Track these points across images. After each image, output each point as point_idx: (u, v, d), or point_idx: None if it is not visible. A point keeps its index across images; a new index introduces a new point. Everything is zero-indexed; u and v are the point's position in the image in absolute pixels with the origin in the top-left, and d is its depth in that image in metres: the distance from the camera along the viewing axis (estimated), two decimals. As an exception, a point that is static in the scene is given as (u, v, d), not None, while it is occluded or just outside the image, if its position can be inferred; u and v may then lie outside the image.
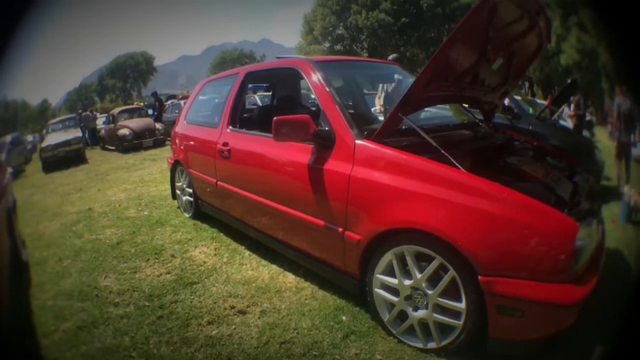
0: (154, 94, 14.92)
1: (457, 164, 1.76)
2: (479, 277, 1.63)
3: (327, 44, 33.97)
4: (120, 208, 4.66)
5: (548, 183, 2.06)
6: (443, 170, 1.75)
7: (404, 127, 2.13)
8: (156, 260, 3.05)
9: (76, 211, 4.74)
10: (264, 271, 2.77)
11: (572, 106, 6.18)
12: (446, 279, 1.73)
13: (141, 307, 2.39)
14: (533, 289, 1.59)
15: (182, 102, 12.81)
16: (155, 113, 13.39)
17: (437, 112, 3.15)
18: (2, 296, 1.68)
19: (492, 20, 2.04)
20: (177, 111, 11.78)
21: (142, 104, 19.50)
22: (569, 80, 7.94)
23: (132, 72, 47.99)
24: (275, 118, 2.18)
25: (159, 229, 3.74)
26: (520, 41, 2.48)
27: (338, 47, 33.86)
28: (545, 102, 7.27)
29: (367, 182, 1.95)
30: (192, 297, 2.47)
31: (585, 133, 6.99)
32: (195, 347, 1.98)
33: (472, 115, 3.19)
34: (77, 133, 11.35)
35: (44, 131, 13.14)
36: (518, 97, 5.97)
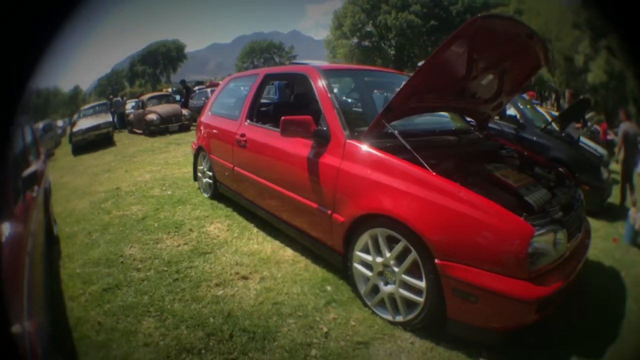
0: (182, 82, 15.46)
1: (426, 165, 2.07)
2: (436, 261, 1.92)
3: (355, 40, 33.94)
4: (145, 188, 5.01)
5: (517, 189, 2.28)
6: (412, 170, 2.08)
7: (389, 130, 2.41)
8: (176, 233, 3.44)
9: (105, 190, 5.09)
10: (268, 245, 3.15)
11: None
12: (409, 259, 2.05)
13: (160, 271, 2.78)
14: (486, 278, 1.81)
15: (209, 90, 13.18)
16: (183, 99, 13.91)
17: (434, 118, 3.39)
18: (37, 268, 1.84)
19: (476, 43, 2.26)
20: (203, 98, 12.08)
21: (169, 90, 20.01)
22: (580, 97, 7.95)
23: (162, 59, 48.51)
24: (282, 118, 2.56)
25: (180, 207, 4.11)
26: (511, 61, 2.67)
27: (366, 43, 33.80)
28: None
29: (351, 175, 2.31)
30: (205, 264, 2.87)
31: (602, 151, 6.99)
32: (202, 304, 2.36)
33: (467, 123, 3.42)
34: (107, 118, 11.75)
35: (76, 116, 13.62)
36: (526, 107, 6.06)
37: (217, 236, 3.36)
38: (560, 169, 3.59)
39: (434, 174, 2.03)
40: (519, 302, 1.78)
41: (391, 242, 2.16)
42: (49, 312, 2.08)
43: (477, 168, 2.52)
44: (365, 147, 2.33)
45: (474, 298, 1.85)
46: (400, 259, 2.13)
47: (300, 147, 2.71)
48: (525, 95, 10.05)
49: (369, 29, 33.28)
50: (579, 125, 6.71)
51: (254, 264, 2.85)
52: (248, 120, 3.51)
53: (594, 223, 3.99)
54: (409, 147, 2.19)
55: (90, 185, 5.63)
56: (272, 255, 2.99)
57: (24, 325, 1.22)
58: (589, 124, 8.44)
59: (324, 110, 2.66)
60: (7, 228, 1.44)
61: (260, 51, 53.10)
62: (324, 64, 3.62)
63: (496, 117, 5.50)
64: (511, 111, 5.61)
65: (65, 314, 2.32)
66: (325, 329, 2.12)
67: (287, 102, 4.51)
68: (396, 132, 2.31)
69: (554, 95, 22.20)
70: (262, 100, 4.53)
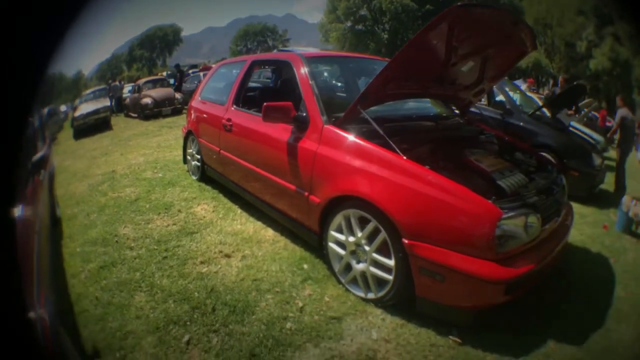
0: (177, 66, 15.71)
1: (397, 150, 2.15)
2: (404, 240, 2.01)
3: (348, 24, 33.42)
4: (139, 170, 5.13)
5: (490, 174, 2.33)
6: (383, 154, 2.17)
7: (365, 116, 2.45)
8: (166, 214, 3.56)
9: (102, 173, 5.21)
10: (250, 226, 3.27)
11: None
12: (379, 238, 2.15)
13: (151, 250, 2.91)
14: (452, 258, 1.89)
15: (201, 74, 13.23)
16: (177, 83, 14.03)
17: (415, 104, 3.46)
18: (44, 248, 1.91)
19: (455, 32, 2.30)
20: (196, 82, 12.17)
21: (164, 73, 20.14)
22: (574, 83, 7.86)
23: (159, 43, 48.10)
24: (265, 104, 2.65)
25: (170, 189, 4.23)
26: (494, 47, 2.69)
27: (359, 27, 33.26)
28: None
29: (327, 158, 2.41)
30: (191, 243, 3.00)
31: (599, 138, 6.82)
32: (188, 280, 2.50)
33: (448, 109, 3.47)
34: (106, 102, 11.87)
35: (77, 101, 13.73)
36: (516, 92, 5.99)
37: (204, 217, 3.48)
38: (543, 154, 3.63)
39: (404, 158, 2.11)
40: (485, 283, 1.85)
41: (363, 222, 2.25)
42: (54, 289, 2.22)
43: (451, 153, 2.58)
44: (340, 132, 2.42)
45: (440, 277, 1.94)
46: (371, 238, 2.22)
47: (281, 132, 2.79)
48: (519, 83, 9.97)
49: (363, 13, 32.60)
50: (571, 112, 6.71)
51: (237, 243, 2.97)
52: (234, 106, 3.59)
53: (583, 209, 4.10)
54: (381, 132, 2.26)
55: (88, 168, 5.75)
56: (254, 235, 3.12)
57: (36, 308, 1.26)
58: (585, 110, 8.36)
59: (304, 96, 2.74)
60: (20, 210, 1.49)
61: (254, 34, 52.19)
62: (311, 50, 3.68)
63: (484, 103, 5.56)
64: (502, 97, 5.63)
65: (67, 290, 2.46)
66: (300, 304, 2.24)
67: (273, 87, 4.58)
68: (370, 118, 2.37)
69: (551, 81, 22.10)
70: (253, 84, 4.60)
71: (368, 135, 2.35)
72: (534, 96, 7.99)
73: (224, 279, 2.50)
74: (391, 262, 2.12)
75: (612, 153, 5.94)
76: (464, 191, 1.94)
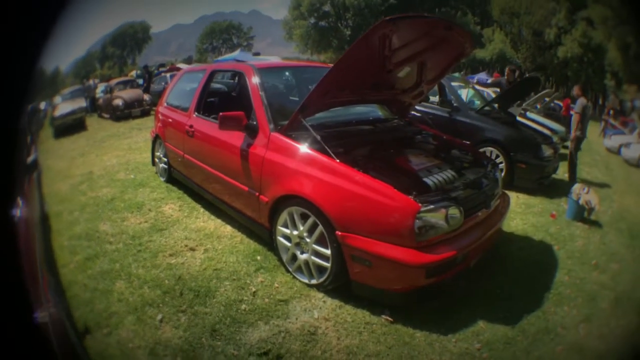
0: (145, 67, 15.76)
1: (331, 154, 2.48)
2: (337, 232, 2.30)
3: (312, 20, 33.43)
4: (113, 172, 5.34)
5: (416, 172, 2.60)
6: (319, 158, 2.51)
7: (310, 123, 2.72)
8: (138, 213, 3.84)
9: (80, 174, 5.42)
10: (212, 223, 3.60)
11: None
12: (317, 231, 2.48)
13: (127, 244, 3.21)
14: (377, 246, 2.17)
15: (168, 75, 13.24)
16: (145, 84, 14.05)
17: (359, 109, 3.69)
18: (40, 241, 1.98)
19: (386, 43, 2.57)
20: (162, 83, 12.21)
21: (134, 73, 19.99)
22: (526, 75, 7.87)
23: (130, 41, 46.78)
24: (220, 114, 2.95)
25: (141, 189, 4.48)
26: (430, 52, 2.92)
27: (323, 23, 33.39)
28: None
29: (273, 162, 2.73)
30: (161, 238, 3.30)
31: (558, 127, 6.68)
32: (160, 269, 2.82)
33: (388, 112, 3.74)
34: (81, 103, 11.89)
35: (55, 99, 13.55)
36: (463, 92, 6.18)
37: (171, 215, 3.78)
38: (480, 150, 3.96)
39: (337, 161, 2.44)
40: (406, 267, 2.12)
41: (305, 218, 2.55)
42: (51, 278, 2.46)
43: (385, 153, 2.89)
44: (284, 139, 2.74)
45: (368, 263, 2.23)
46: (311, 231, 2.52)
47: (236, 139, 3.07)
48: (484, 76, 10.28)
49: (326, 9, 32.68)
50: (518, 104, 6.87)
51: (200, 238, 3.30)
52: (196, 113, 3.84)
53: (531, 200, 4.38)
54: (318, 138, 2.59)
55: (69, 168, 5.97)
56: (215, 231, 3.44)
57: (42, 296, 1.37)
58: (546, 99, 8.05)
59: (254, 105, 3.03)
60: (21, 205, 1.54)
61: (220, 32, 50.75)
62: (268, 60, 3.98)
63: (436, 102, 5.84)
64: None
65: (59, 278, 2.70)
66: (254, 289, 2.58)
67: (232, 93, 4.78)
68: (309, 125, 2.68)
69: (517, 73, 22.51)
70: (217, 86, 4.81)
71: (309, 140, 2.67)
72: (490, 91, 8.18)
73: (189, 269, 2.84)
74: (328, 252, 2.42)
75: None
76: (387, 188, 2.22)
